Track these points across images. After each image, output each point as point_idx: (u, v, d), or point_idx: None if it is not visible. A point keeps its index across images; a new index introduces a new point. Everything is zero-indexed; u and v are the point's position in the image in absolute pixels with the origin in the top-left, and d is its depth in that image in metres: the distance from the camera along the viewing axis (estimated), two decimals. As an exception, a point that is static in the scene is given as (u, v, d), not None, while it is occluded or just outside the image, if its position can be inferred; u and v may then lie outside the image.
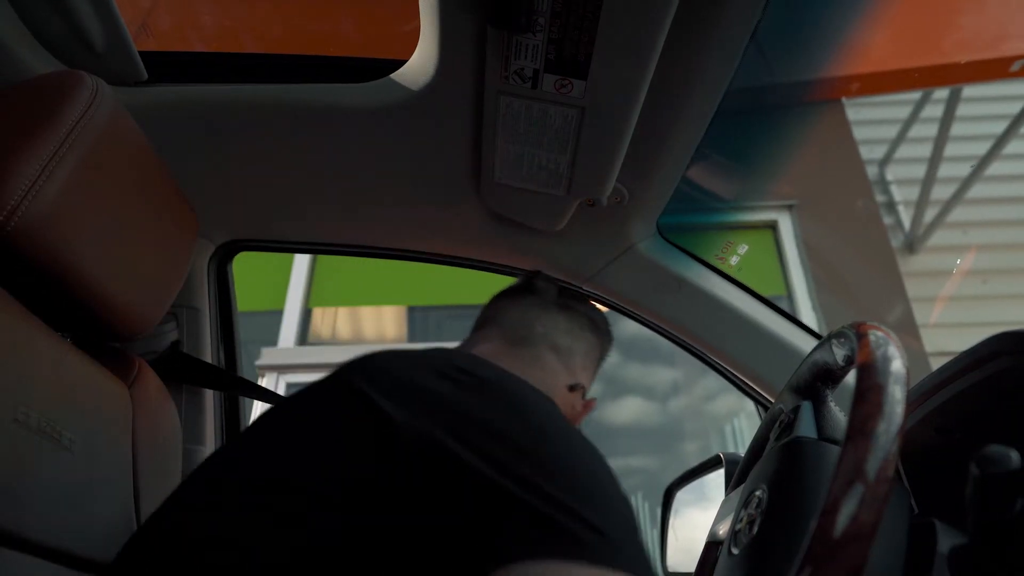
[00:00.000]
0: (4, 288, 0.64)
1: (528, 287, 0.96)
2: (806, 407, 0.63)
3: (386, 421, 0.50)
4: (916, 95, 4.31)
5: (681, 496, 1.11)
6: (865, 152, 4.55)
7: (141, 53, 0.97)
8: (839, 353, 0.59)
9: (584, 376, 0.92)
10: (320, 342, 4.52)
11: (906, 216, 4.44)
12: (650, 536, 3.73)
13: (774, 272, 4.28)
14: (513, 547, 0.43)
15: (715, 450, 1.35)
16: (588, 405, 0.92)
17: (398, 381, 0.55)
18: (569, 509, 0.45)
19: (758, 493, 0.59)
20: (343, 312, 4.63)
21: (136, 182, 0.79)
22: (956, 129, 3.99)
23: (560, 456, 0.50)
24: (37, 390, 0.65)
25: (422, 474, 0.48)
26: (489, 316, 0.93)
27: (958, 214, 4.24)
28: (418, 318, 4.65)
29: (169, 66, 1.03)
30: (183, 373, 1.18)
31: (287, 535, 0.48)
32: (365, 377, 0.55)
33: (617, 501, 0.50)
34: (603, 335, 0.98)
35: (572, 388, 0.89)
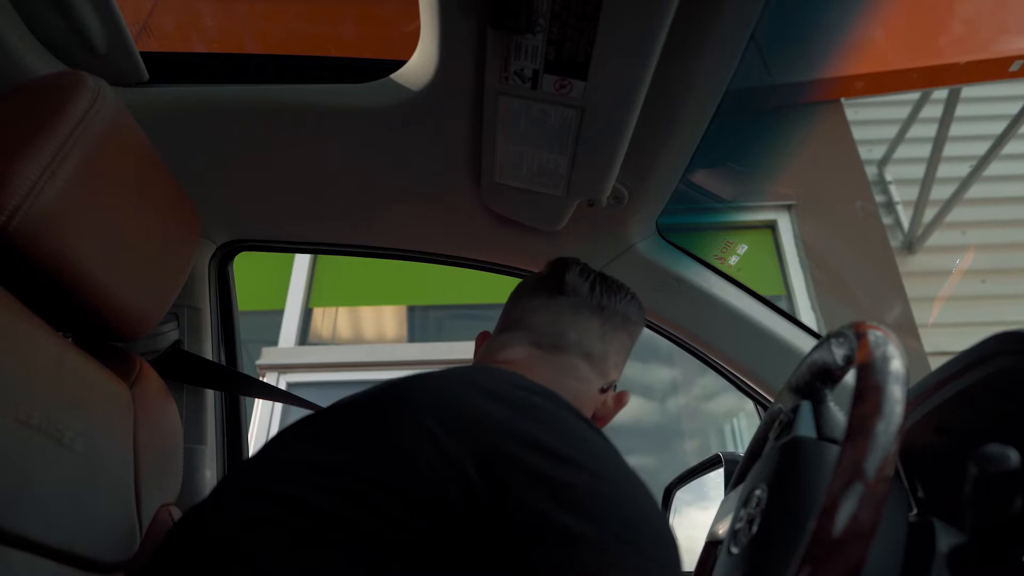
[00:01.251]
0: (6, 288, 0.65)
1: (559, 286, 0.90)
2: (805, 407, 0.63)
3: (454, 461, 0.52)
4: (915, 95, 4.31)
5: (680, 495, 1.12)
6: (864, 152, 4.55)
7: (142, 53, 0.97)
8: (838, 353, 0.59)
9: (616, 373, 0.90)
10: (320, 342, 4.51)
11: (905, 216, 4.45)
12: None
13: (773, 272, 4.28)
14: None
15: (714, 449, 1.36)
16: (620, 400, 0.91)
17: (460, 413, 0.56)
18: (618, 540, 0.48)
19: (757, 492, 0.59)
20: (343, 312, 4.62)
21: (137, 182, 0.79)
22: (955, 129, 4.00)
23: (604, 489, 0.52)
24: (39, 390, 0.65)
25: (488, 505, 0.50)
26: (517, 318, 0.89)
27: (957, 214, 4.24)
28: (418, 318, 4.65)
29: (170, 66, 1.03)
30: (184, 372, 1.18)
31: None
32: (431, 414, 0.56)
33: (660, 531, 0.53)
34: (636, 325, 0.94)
35: (604, 390, 0.88)
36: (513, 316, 0.90)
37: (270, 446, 0.63)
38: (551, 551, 0.47)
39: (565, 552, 0.46)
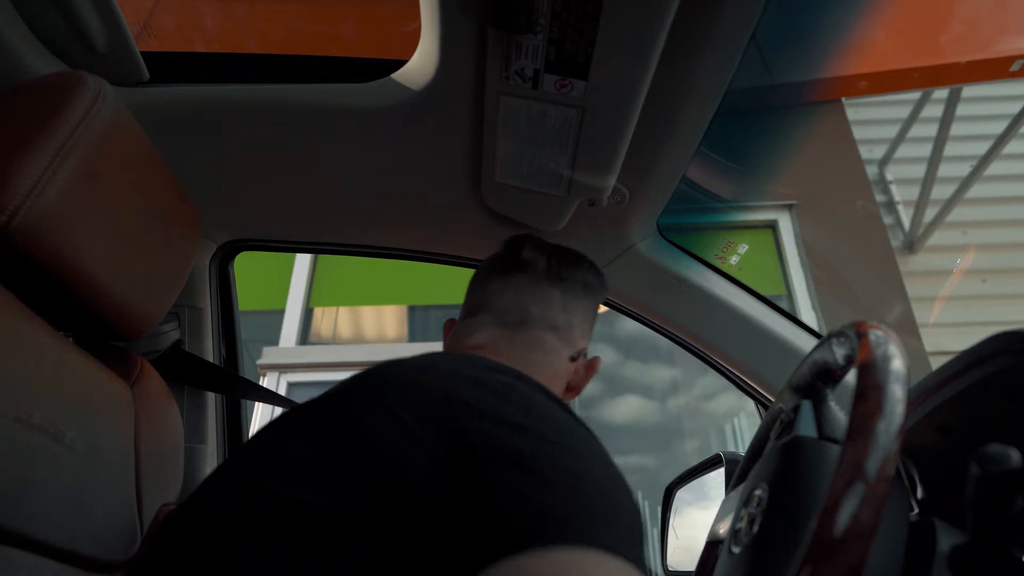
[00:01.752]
0: (7, 287, 0.65)
1: (515, 264, 0.92)
2: (806, 406, 0.63)
3: (426, 445, 0.52)
4: (916, 95, 4.31)
5: (681, 495, 1.12)
6: (865, 152, 4.55)
7: (143, 53, 0.97)
8: (839, 352, 0.59)
9: (584, 341, 0.92)
10: (321, 341, 4.52)
11: (906, 216, 4.45)
12: (650, 535, 3.73)
13: (774, 272, 4.29)
14: (521, 538, 0.45)
15: (715, 449, 1.36)
16: (592, 367, 0.92)
17: (430, 398, 0.57)
18: (573, 503, 0.48)
19: (758, 492, 0.59)
20: (344, 311, 4.63)
21: (138, 182, 0.79)
22: (956, 129, 4.00)
23: (574, 463, 0.53)
24: (39, 389, 0.65)
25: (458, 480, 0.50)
26: (479, 302, 0.90)
27: (958, 214, 4.24)
28: (418, 318, 4.66)
29: (171, 66, 1.03)
30: (185, 374, 1.18)
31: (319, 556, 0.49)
32: (402, 401, 0.56)
33: (618, 499, 0.52)
34: (598, 292, 0.96)
35: (573, 359, 0.89)
36: (475, 300, 0.92)
37: (253, 443, 0.63)
38: (521, 522, 0.47)
39: (534, 521, 0.47)
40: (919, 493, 0.56)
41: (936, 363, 0.62)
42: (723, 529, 0.70)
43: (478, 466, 0.50)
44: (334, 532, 0.48)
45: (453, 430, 0.53)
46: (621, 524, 0.49)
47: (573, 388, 0.90)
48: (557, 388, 0.86)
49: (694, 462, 1.09)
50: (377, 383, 0.60)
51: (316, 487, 0.51)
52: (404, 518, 0.49)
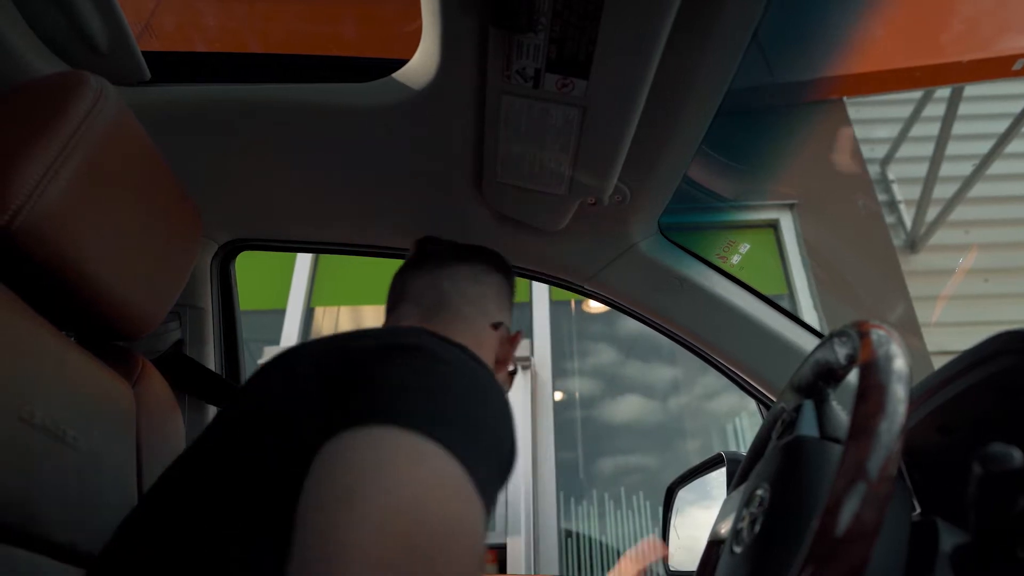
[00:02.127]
0: (9, 287, 0.65)
1: (422, 256, 0.98)
2: (808, 406, 0.63)
3: (311, 387, 0.56)
4: (918, 94, 4.31)
5: (683, 495, 1.12)
6: (866, 151, 4.54)
7: (144, 53, 0.97)
8: (841, 352, 0.59)
9: (503, 315, 0.95)
10: (322, 341, 4.51)
11: (908, 215, 4.44)
12: (652, 535, 3.73)
13: (775, 271, 4.28)
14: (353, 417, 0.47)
15: (716, 449, 1.35)
16: (515, 339, 0.95)
17: (325, 352, 0.61)
18: (422, 393, 0.51)
19: (760, 492, 0.59)
20: (345, 311, 4.63)
21: (140, 181, 0.79)
22: (958, 128, 3.99)
23: (430, 374, 0.55)
24: (41, 389, 0.65)
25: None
26: (399, 295, 0.94)
27: (960, 213, 4.24)
28: (419, 317, 4.64)
29: (172, 66, 1.03)
30: (186, 382, 1.18)
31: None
32: (303, 363, 0.60)
33: (473, 414, 0.53)
34: (505, 272, 1.00)
35: (495, 326, 0.92)
36: (394, 297, 0.96)
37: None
38: (352, 410, 0.49)
39: (364, 410, 0.49)
40: (921, 493, 0.56)
41: (938, 363, 0.62)
42: (725, 529, 0.70)
43: (344, 386, 0.53)
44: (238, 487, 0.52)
45: (341, 363, 0.56)
46: (465, 428, 0.50)
47: (501, 361, 0.93)
48: (486, 360, 0.89)
49: (695, 462, 1.09)
50: (287, 355, 0.64)
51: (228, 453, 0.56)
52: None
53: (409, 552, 0.40)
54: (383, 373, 0.53)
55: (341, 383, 0.54)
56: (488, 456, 0.51)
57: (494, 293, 0.95)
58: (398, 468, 0.44)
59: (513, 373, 1.04)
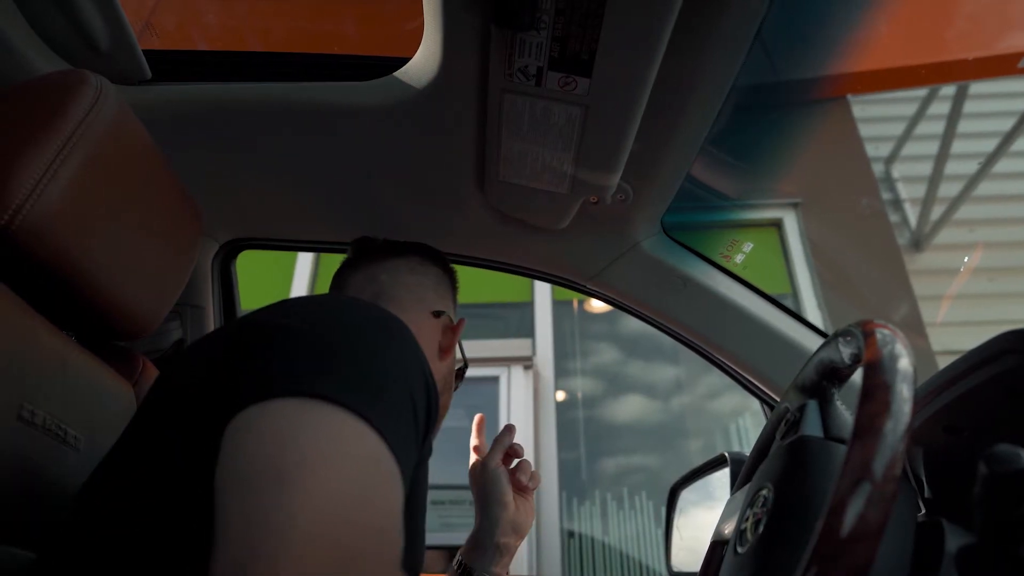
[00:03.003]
0: (9, 287, 0.65)
1: (357, 255, 0.99)
2: (812, 406, 0.63)
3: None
4: (922, 92, 4.29)
5: (686, 495, 1.11)
6: (871, 149, 4.53)
7: (145, 52, 0.97)
8: (845, 351, 0.58)
9: (444, 304, 0.95)
10: (324, 341, 4.51)
11: (912, 214, 4.42)
12: (655, 535, 3.73)
13: (779, 270, 4.27)
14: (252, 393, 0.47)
15: (719, 449, 1.35)
16: (458, 327, 0.95)
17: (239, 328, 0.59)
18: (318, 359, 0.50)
19: (764, 492, 0.58)
20: (347, 311, 4.62)
21: (140, 180, 0.79)
22: (963, 126, 3.98)
23: (333, 323, 0.55)
24: (42, 389, 0.65)
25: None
26: (338, 292, 0.95)
27: (965, 212, 4.22)
28: (422, 317, 4.64)
29: (173, 65, 1.03)
30: None
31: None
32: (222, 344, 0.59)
33: (359, 358, 0.52)
34: (443, 264, 1.01)
35: (437, 314, 0.92)
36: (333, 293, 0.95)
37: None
38: (245, 386, 0.48)
39: (256, 383, 0.48)
40: (926, 493, 0.56)
41: (943, 362, 0.61)
42: (728, 529, 0.70)
43: (237, 358, 0.52)
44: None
45: (245, 336, 0.55)
46: (349, 376, 0.49)
47: (445, 349, 0.92)
48: (428, 349, 0.89)
49: (698, 462, 1.09)
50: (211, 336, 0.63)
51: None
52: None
53: (334, 518, 0.40)
54: (282, 343, 0.52)
55: (244, 355, 0.53)
56: (395, 407, 0.51)
57: (432, 283, 0.96)
58: (317, 442, 0.44)
59: (463, 370, 1.04)
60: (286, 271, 4.59)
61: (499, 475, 0.94)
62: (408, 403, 0.53)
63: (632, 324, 4.27)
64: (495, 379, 4.04)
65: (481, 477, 0.95)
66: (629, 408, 4.29)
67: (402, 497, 0.47)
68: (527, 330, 4.30)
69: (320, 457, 0.43)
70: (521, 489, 0.96)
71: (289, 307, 0.58)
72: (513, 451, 0.99)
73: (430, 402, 0.57)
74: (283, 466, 0.42)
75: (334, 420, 0.46)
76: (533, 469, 0.99)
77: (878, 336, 0.48)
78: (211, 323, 1.24)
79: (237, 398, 0.47)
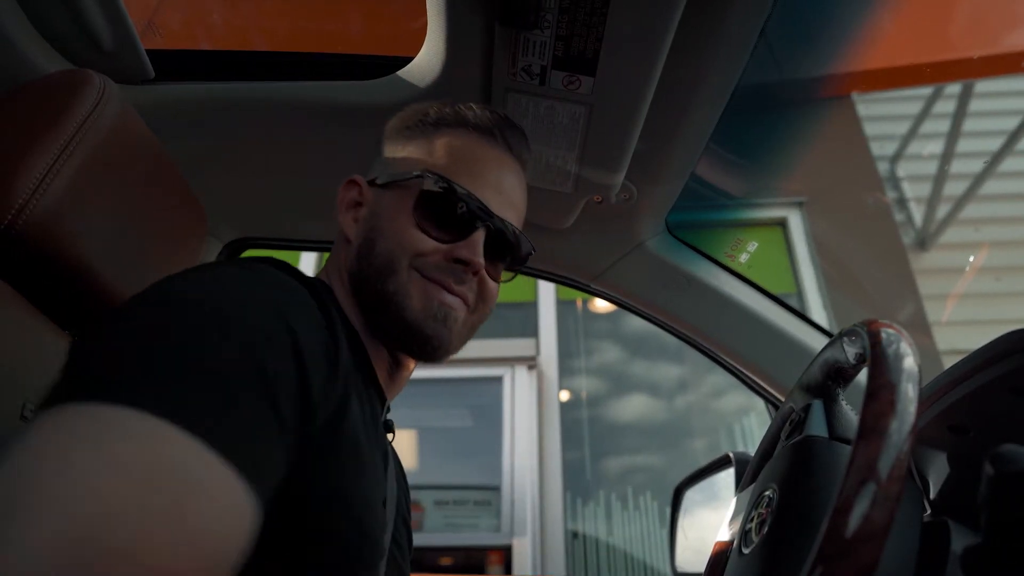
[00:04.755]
0: (10, 285, 0.65)
1: None
2: (817, 405, 0.63)
3: None
4: (928, 90, 4.27)
5: (690, 496, 1.11)
6: (876, 148, 4.51)
7: (148, 51, 0.97)
8: (850, 351, 0.58)
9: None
10: (329, 340, 4.52)
11: (917, 213, 4.41)
12: (659, 535, 3.72)
13: (784, 269, 4.26)
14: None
15: (724, 449, 1.35)
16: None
17: None
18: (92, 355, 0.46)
19: (768, 492, 0.58)
20: (351, 310, 4.63)
21: (144, 179, 0.79)
22: (968, 125, 3.96)
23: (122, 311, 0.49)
24: (43, 388, 0.65)
25: None
26: None
27: (970, 211, 4.20)
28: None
29: (176, 64, 1.03)
30: None
31: None
32: None
33: (138, 332, 0.46)
34: None
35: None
36: None
37: None
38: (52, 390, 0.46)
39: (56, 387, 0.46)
40: (932, 493, 0.56)
41: (948, 362, 0.61)
42: (733, 530, 0.69)
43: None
44: None
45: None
46: (152, 369, 0.43)
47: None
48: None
49: (703, 462, 1.09)
50: None
51: None
52: None
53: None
54: (90, 339, 0.48)
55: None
56: (218, 394, 0.43)
57: None
58: (67, 454, 0.38)
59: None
60: (290, 271, 4.59)
61: None
62: (253, 383, 0.45)
63: (636, 323, 4.26)
64: (499, 379, 4.05)
65: None
66: (633, 408, 4.28)
67: (238, 506, 0.41)
68: (531, 330, 4.30)
69: (65, 472, 0.36)
70: None
71: (149, 289, 0.51)
72: None
73: (307, 363, 0.50)
74: (12, 492, 0.35)
75: (100, 424, 0.40)
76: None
77: (883, 336, 0.48)
78: (215, 322, 1.24)
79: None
